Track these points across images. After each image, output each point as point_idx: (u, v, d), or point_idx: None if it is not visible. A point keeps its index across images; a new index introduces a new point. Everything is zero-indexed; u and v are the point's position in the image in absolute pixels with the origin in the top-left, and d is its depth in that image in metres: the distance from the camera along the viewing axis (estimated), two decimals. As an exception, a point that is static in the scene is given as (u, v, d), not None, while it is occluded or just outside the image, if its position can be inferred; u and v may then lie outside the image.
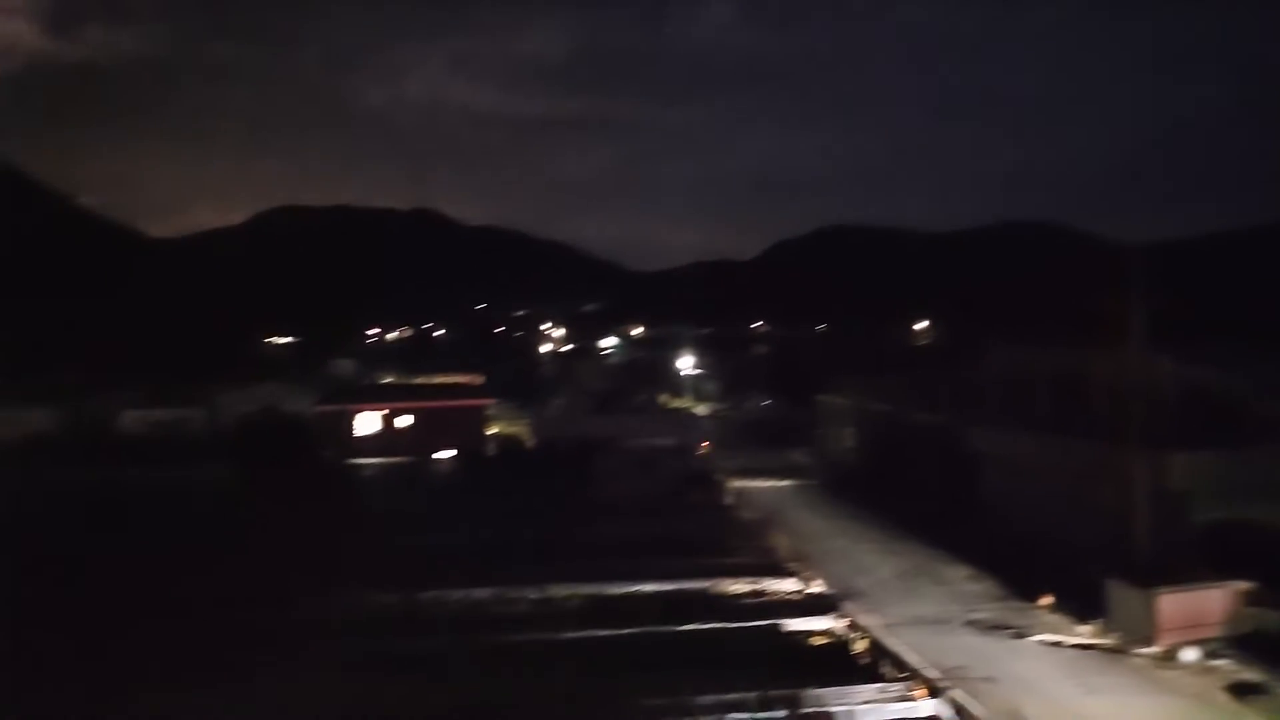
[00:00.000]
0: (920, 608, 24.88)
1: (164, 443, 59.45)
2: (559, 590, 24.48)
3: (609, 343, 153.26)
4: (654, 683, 17.35)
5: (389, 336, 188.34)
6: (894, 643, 21.23)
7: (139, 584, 23.72)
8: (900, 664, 19.82)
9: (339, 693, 17.06)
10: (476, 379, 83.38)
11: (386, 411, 50.24)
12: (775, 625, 22.30)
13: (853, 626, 22.58)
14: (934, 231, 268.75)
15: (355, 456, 47.24)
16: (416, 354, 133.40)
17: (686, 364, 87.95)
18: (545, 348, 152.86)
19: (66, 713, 16.22)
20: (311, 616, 22.02)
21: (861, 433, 46.02)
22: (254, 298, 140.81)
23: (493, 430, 55.93)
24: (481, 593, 24.28)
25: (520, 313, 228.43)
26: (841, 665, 19.94)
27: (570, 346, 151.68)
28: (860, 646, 21.32)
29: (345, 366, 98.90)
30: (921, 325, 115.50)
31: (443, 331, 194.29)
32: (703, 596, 24.36)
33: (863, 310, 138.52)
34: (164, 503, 37.28)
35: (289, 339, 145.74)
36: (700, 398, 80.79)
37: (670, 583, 25.04)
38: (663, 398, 79.64)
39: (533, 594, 24.13)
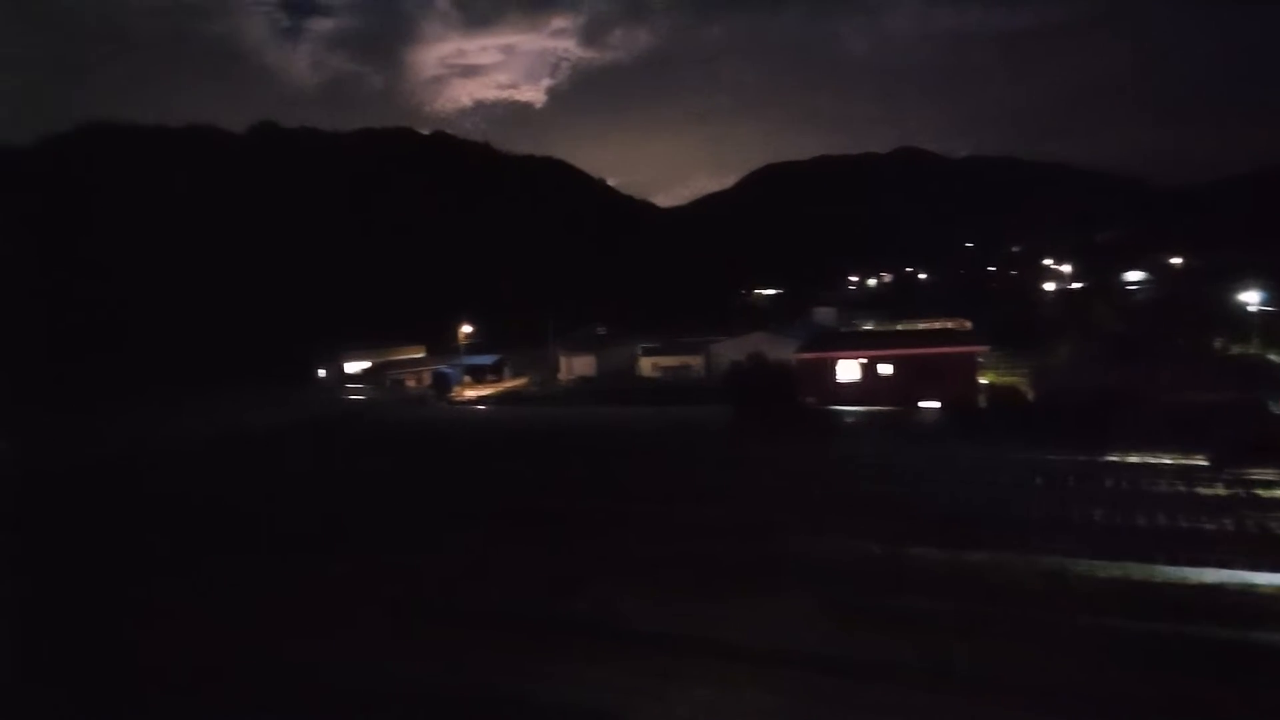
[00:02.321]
0: None
1: (672, 385, 67.08)
2: (1073, 566, 19.46)
3: (1135, 276, 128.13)
4: None
5: (870, 283, 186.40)
6: None
7: (657, 504, 26.63)
8: None
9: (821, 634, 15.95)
10: (964, 324, 76.53)
11: (867, 359, 48.14)
12: None
13: None
14: None
15: (837, 403, 46.35)
16: (899, 299, 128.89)
17: (1252, 299, 67.79)
18: (1048, 285, 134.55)
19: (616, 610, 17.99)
20: (797, 555, 21.22)
21: None
22: (744, 253, 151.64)
23: (985, 380, 49.87)
24: (975, 556, 20.55)
25: (1015, 249, 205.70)
26: None
27: (1080, 284, 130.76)
28: None
29: (827, 314, 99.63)
30: None
31: (927, 275, 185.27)
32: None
33: None
34: (671, 436, 41.59)
35: (775, 290, 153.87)
36: (1276, 342, 61.51)
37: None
38: (1218, 343, 62.63)
39: (1039, 567, 19.53)
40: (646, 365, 75.59)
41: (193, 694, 15.04)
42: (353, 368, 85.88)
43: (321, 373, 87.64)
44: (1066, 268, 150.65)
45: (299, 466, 40.73)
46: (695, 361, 72.18)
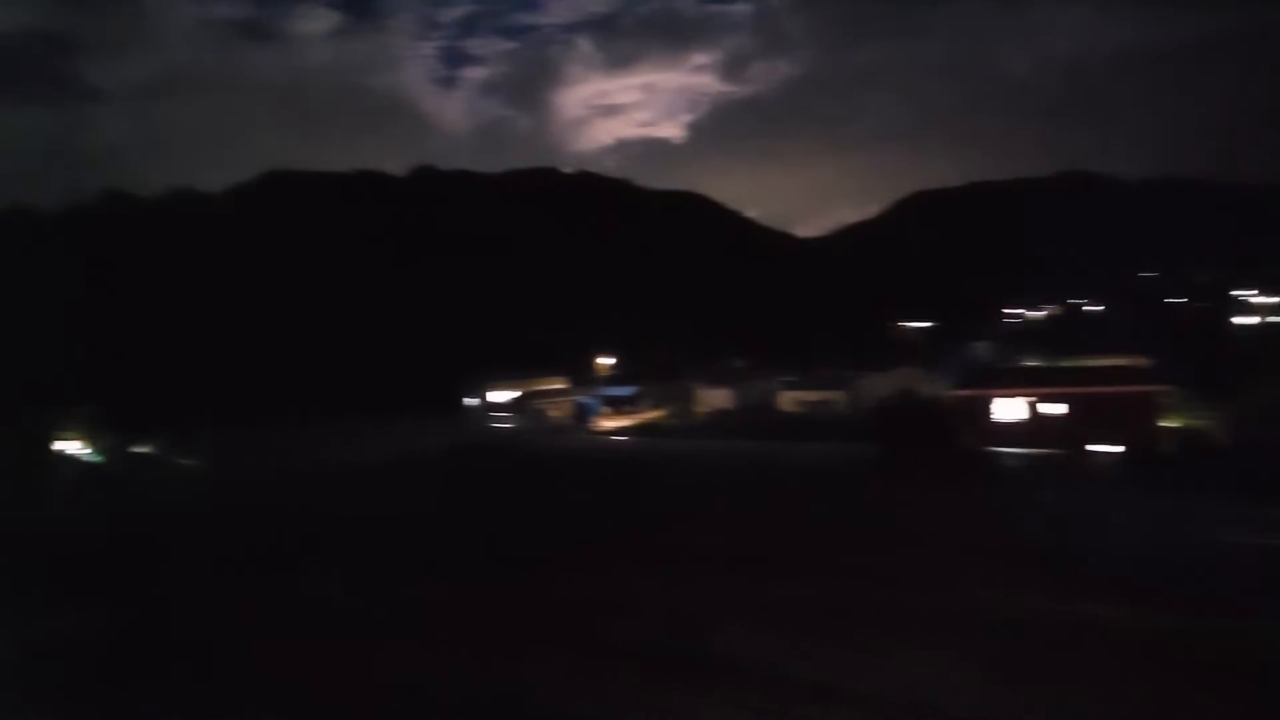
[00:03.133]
0: None
1: (813, 420, 64.86)
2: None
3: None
4: None
5: (1032, 315, 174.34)
6: None
7: (798, 544, 25.23)
8: None
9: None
10: (1142, 361, 69.58)
11: (1033, 397, 44.45)
12: None
13: None
14: None
15: (995, 444, 42.93)
16: (1064, 334, 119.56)
17: None
18: (1245, 320, 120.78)
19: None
20: (951, 606, 19.38)
21: None
22: (890, 283, 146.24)
23: (1168, 423, 44.80)
24: (1164, 618, 17.92)
25: (1203, 279, 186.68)
26: None
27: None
28: None
29: (982, 349, 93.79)
30: None
31: (1098, 306, 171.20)
32: None
33: None
34: (814, 474, 39.91)
35: (925, 323, 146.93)
36: None
37: None
38: None
39: (1248, 634, 16.70)
40: (786, 400, 73.71)
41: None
42: (498, 397, 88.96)
43: (470, 401, 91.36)
44: (1263, 299, 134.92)
45: (457, 491, 42.17)
46: (839, 397, 69.62)
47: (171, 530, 33.29)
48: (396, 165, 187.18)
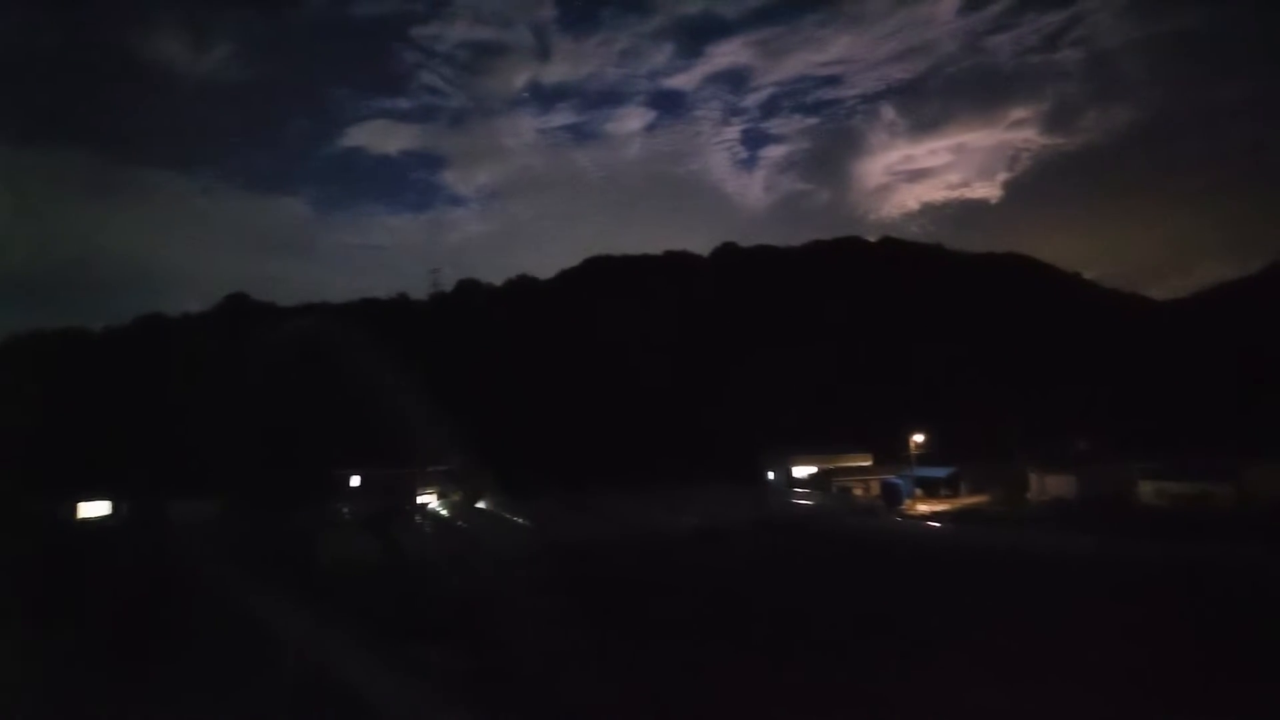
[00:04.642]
0: None
1: (1183, 518, 53.63)
2: None
3: None
4: None
5: None
6: None
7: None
8: None
9: None
10: None
11: None
12: None
13: None
14: None
15: None
16: None
17: None
18: None
19: None
20: None
21: None
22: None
23: None
24: None
25: None
26: None
27: None
28: None
29: None
30: None
31: None
32: None
33: None
34: (1194, 585, 32.19)
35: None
36: None
37: None
38: None
39: None
40: (1148, 490, 62.34)
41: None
42: (800, 472, 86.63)
43: (770, 475, 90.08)
44: None
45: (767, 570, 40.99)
46: (1221, 490, 57.19)
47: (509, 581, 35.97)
48: (701, 244, 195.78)
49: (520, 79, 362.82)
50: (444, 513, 72.88)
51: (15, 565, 43.83)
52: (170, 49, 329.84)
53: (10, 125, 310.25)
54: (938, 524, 59.46)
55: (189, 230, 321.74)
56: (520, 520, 64.38)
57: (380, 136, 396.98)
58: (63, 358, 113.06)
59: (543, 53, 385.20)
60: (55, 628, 30.51)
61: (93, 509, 74.36)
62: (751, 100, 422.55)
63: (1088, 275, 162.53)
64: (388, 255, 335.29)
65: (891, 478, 74.44)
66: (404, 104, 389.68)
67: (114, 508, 75.15)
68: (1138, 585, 33.00)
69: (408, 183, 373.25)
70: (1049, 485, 67.92)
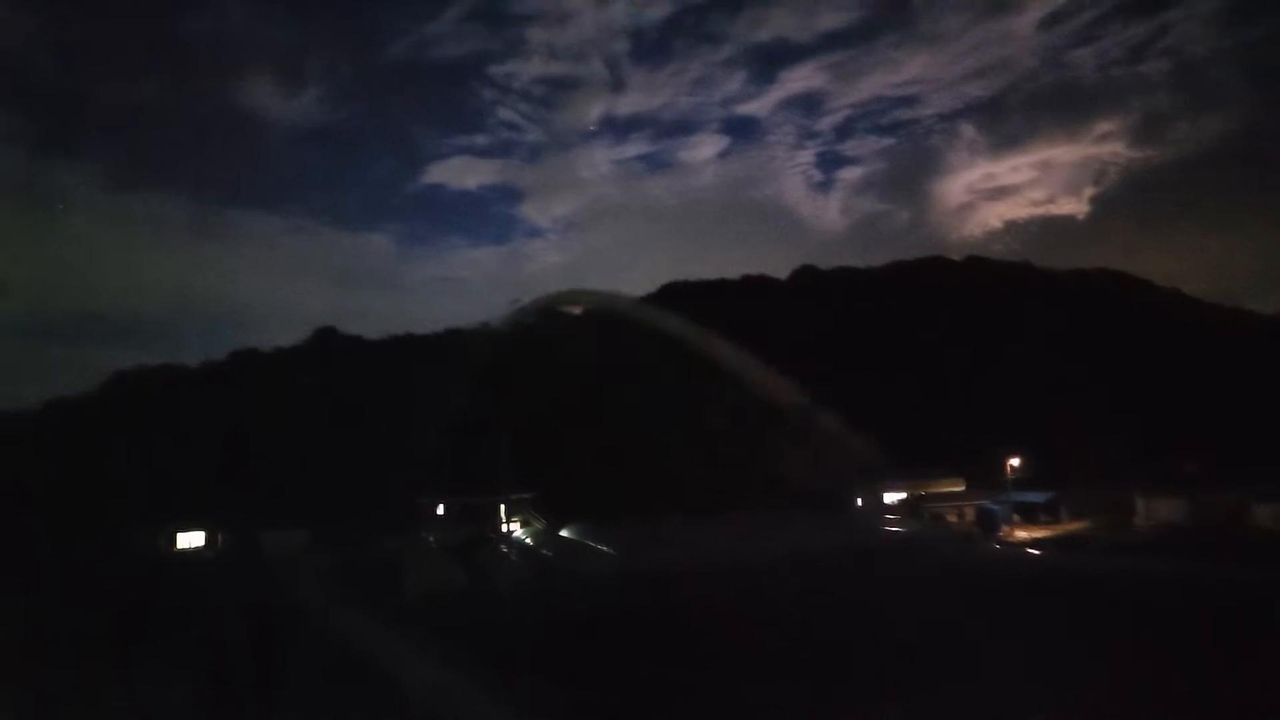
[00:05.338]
0: None
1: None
2: None
3: None
4: None
5: None
6: None
7: None
8: None
9: None
10: None
11: None
12: None
13: None
14: None
15: None
16: None
17: None
18: None
19: None
20: None
21: None
22: None
23: None
24: None
25: None
26: None
27: None
28: None
29: None
30: None
31: None
32: None
33: None
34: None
35: None
36: None
37: None
38: None
39: None
40: (1264, 514, 58.40)
41: None
42: (891, 497, 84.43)
43: (859, 501, 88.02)
44: None
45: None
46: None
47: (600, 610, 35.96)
48: (779, 268, 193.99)
49: (595, 111, 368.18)
50: (528, 540, 73.61)
51: (124, 595, 46.12)
52: (262, 95, 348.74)
53: (115, 173, 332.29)
54: (1038, 551, 56.87)
55: (280, 267, 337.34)
56: (605, 548, 64.48)
57: (460, 172, 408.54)
58: (162, 392, 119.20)
59: (616, 85, 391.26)
60: (173, 660, 31.94)
61: (190, 540, 77.53)
62: (826, 123, 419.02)
63: (1188, 290, 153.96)
64: (470, 287, 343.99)
65: (987, 503, 71.71)
66: (482, 140, 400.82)
67: (209, 539, 78.13)
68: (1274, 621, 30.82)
69: (487, 216, 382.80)
70: (1156, 509, 64.33)
